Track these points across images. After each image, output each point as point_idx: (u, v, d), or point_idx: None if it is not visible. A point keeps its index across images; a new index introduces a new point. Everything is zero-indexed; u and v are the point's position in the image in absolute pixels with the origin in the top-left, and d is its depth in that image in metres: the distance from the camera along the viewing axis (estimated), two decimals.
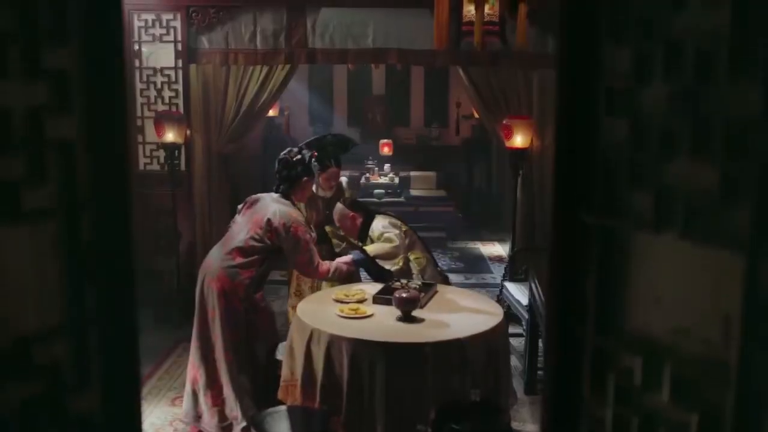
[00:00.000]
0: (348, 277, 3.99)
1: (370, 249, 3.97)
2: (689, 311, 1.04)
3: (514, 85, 5.74)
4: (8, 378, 1.07)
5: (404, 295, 3.19)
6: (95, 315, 1.18)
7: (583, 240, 1.18)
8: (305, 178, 3.78)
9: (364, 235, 4.18)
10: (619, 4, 1.08)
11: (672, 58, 1.01)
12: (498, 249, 8.69)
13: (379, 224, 4.15)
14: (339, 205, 4.27)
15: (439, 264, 7.80)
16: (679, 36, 1.00)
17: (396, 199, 9.34)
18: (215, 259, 3.65)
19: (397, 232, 4.14)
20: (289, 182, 3.72)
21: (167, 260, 5.57)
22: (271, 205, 3.65)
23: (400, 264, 4.06)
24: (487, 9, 3.66)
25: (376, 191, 9.05)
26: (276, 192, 3.76)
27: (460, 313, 3.37)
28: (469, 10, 3.55)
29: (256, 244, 3.56)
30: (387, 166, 9.70)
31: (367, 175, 9.62)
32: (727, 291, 0.97)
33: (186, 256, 5.67)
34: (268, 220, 3.56)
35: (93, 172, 1.17)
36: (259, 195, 3.81)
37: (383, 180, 9.53)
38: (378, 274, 4.03)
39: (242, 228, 3.65)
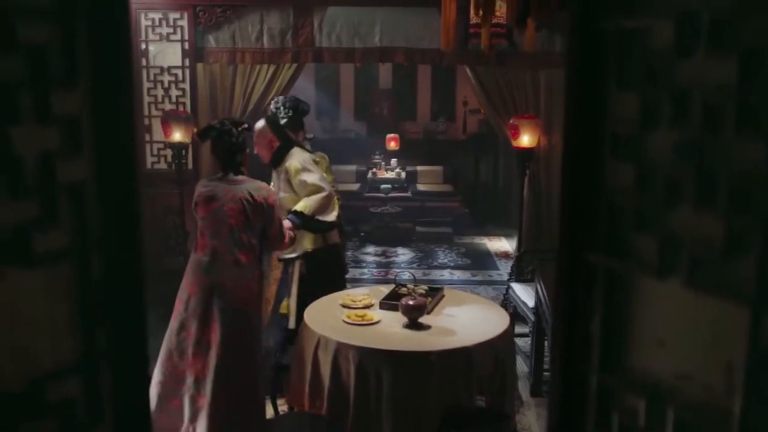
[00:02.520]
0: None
1: (303, 207, 3.91)
2: (692, 357, 1.05)
3: (521, 84, 5.73)
4: (23, 418, 1.09)
5: (411, 302, 3.21)
6: (106, 353, 1.21)
7: (588, 279, 1.19)
8: (247, 149, 3.62)
9: (276, 160, 4.13)
10: (626, 50, 1.08)
11: (678, 107, 1.02)
12: (504, 244, 8.69)
13: (299, 158, 4.09)
14: (261, 122, 4.15)
15: (445, 260, 7.87)
16: (684, 85, 1.01)
17: (403, 194, 9.34)
18: (218, 273, 3.33)
19: (323, 175, 4.09)
20: (241, 152, 3.51)
21: (175, 259, 5.60)
22: (235, 190, 3.38)
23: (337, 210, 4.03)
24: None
25: (383, 186, 9.05)
26: (227, 173, 3.45)
27: (467, 319, 3.38)
28: (477, 13, 3.53)
29: (250, 235, 3.39)
30: (393, 161, 9.69)
31: (374, 169, 9.60)
32: (730, 340, 0.98)
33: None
34: (247, 202, 3.35)
35: (104, 213, 1.18)
36: (209, 190, 3.42)
37: (390, 175, 9.51)
38: (320, 229, 4.00)
39: (225, 230, 3.34)
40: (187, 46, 5.62)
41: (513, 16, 2.65)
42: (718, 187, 0.97)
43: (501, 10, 3.77)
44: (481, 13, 3.09)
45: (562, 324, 1.25)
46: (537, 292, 4.25)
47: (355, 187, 9.81)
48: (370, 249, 8.29)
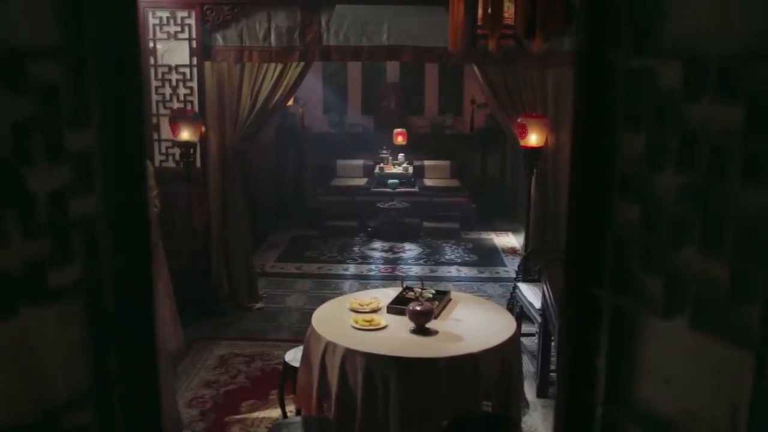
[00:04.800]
0: None
1: None
2: (697, 395, 1.06)
3: (529, 82, 5.71)
4: None
5: (418, 308, 3.22)
6: (119, 382, 1.22)
7: (594, 313, 1.20)
8: None
9: None
10: (633, 88, 1.09)
11: (684, 149, 1.02)
12: (511, 240, 8.69)
13: None
14: None
15: (452, 256, 7.87)
16: (691, 128, 1.01)
17: (410, 189, 9.34)
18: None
19: None
20: None
21: (182, 258, 5.62)
22: None
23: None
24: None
25: (390, 181, 9.04)
26: None
27: (473, 324, 3.39)
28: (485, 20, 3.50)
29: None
30: (401, 156, 9.68)
31: (381, 164, 9.59)
32: (735, 382, 0.99)
33: (201, 254, 5.74)
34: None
35: (115, 245, 1.20)
36: None
37: (397, 170, 9.51)
38: None
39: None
40: (194, 44, 5.63)
41: (522, 29, 2.65)
42: (724, 231, 0.98)
43: (509, 11, 3.75)
44: (488, 20, 3.09)
45: (568, 355, 1.26)
46: (543, 294, 4.25)
47: (363, 181, 9.81)
48: (377, 245, 8.30)
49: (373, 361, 2.97)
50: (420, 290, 3.62)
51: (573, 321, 1.23)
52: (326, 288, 6.58)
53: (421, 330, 3.23)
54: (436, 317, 3.36)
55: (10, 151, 1.01)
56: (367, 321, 3.30)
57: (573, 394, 1.26)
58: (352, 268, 7.34)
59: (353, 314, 3.42)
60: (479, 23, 3.94)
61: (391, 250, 8.12)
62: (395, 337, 3.20)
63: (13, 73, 1.01)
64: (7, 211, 1.02)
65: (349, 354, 3.01)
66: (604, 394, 1.20)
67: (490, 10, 3.32)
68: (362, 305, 3.51)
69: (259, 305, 6.02)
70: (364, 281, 6.83)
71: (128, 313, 1.23)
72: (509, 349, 3.19)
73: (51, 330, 1.12)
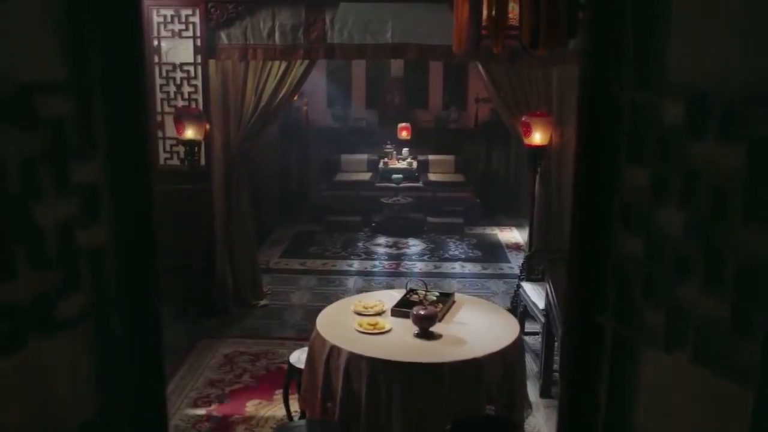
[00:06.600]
0: None
1: None
2: (697, 429, 1.07)
3: (533, 80, 5.70)
4: None
5: (422, 312, 3.23)
6: (126, 406, 1.24)
7: (595, 340, 1.21)
8: None
9: None
10: (638, 124, 1.09)
11: (687, 186, 1.03)
12: (516, 235, 8.69)
13: None
14: None
15: (456, 252, 7.87)
16: (694, 165, 1.02)
17: (414, 184, 9.33)
18: None
19: None
20: None
21: (186, 256, 5.64)
22: None
23: None
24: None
25: (394, 176, 9.03)
26: None
27: (477, 328, 3.40)
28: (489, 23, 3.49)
29: None
30: (405, 150, 9.66)
31: (385, 159, 9.58)
32: (736, 417, 1.00)
33: (205, 252, 5.75)
34: None
35: (122, 274, 1.21)
36: None
37: (401, 164, 9.49)
38: None
39: None
40: (199, 42, 5.62)
41: (527, 40, 2.65)
42: (725, 267, 0.99)
43: (513, 12, 3.74)
44: (492, 22, 3.08)
45: (571, 380, 1.27)
46: (547, 294, 4.26)
47: (367, 176, 9.81)
48: (382, 240, 8.31)
49: (378, 366, 2.98)
50: (424, 293, 3.63)
51: (575, 347, 1.24)
52: (331, 284, 6.60)
53: (425, 334, 3.25)
54: (440, 320, 3.38)
55: (19, 186, 1.02)
56: (371, 324, 3.31)
57: (575, 418, 1.27)
58: (356, 264, 7.35)
59: (357, 317, 3.44)
60: (484, 23, 3.93)
61: (395, 245, 8.13)
62: (399, 341, 3.21)
63: (22, 110, 1.02)
64: (15, 244, 1.03)
65: (354, 358, 3.03)
66: (606, 420, 1.22)
67: (494, 12, 3.31)
68: (366, 308, 3.53)
69: (263, 302, 6.04)
70: (368, 277, 6.85)
71: (135, 340, 1.24)
72: (512, 353, 3.20)
73: (60, 359, 1.14)
